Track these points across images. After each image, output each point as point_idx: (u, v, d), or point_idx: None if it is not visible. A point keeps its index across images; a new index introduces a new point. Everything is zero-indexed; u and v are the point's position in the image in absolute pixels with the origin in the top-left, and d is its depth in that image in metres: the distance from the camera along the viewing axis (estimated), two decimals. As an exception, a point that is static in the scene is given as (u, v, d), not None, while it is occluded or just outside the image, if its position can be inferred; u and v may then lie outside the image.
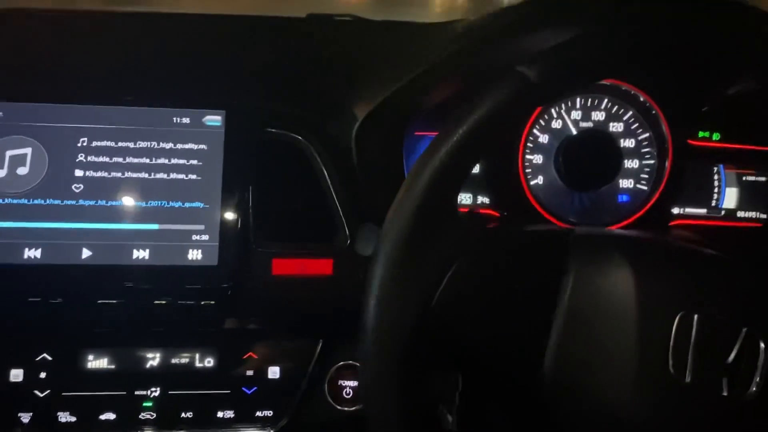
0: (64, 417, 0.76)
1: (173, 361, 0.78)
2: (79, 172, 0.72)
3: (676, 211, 0.92)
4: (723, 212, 0.92)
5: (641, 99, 0.88)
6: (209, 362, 0.78)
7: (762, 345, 0.51)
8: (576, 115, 0.90)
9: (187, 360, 0.78)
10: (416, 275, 0.52)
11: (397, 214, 0.53)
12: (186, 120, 0.75)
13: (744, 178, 0.92)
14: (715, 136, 0.90)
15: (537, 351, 0.55)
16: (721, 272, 0.56)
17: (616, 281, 0.54)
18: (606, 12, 0.59)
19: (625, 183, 0.91)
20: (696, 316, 0.51)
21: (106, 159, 0.73)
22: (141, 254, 0.72)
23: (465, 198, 0.91)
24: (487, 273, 0.56)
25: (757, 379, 0.50)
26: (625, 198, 0.91)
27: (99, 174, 0.73)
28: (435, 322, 0.53)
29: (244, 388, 0.79)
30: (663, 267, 0.55)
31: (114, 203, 0.72)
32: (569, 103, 0.90)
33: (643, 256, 0.56)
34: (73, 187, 0.72)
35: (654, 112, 0.88)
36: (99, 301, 0.72)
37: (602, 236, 0.60)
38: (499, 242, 0.58)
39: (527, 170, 0.90)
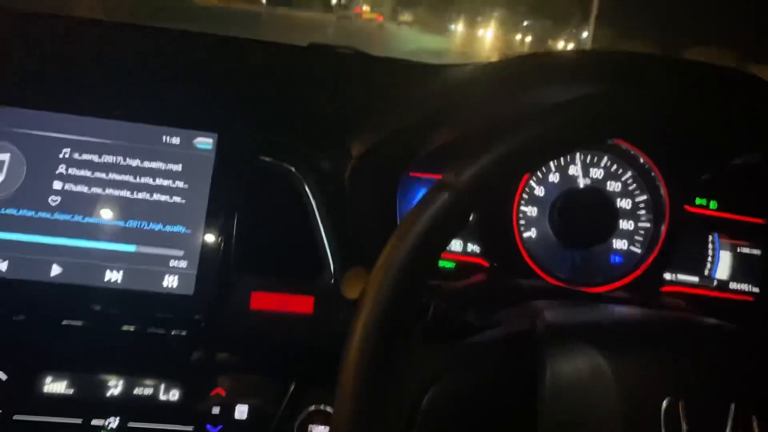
0: (13, 442, 0.71)
1: (136, 391, 0.74)
2: (57, 185, 0.69)
3: (668, 276, 0.90)
4: (715, 282, 0.91)
5: (641, 160, 0.87)
6: (174, 395, 0.74)
7: (754, 420, 0.48)
8: (574, 170, 0.89)
9: (150, 391, 0.74)
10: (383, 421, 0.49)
11: (351, 353, 0.49)
12: (176, 140, 0.72)
13: (738, 250, 0.91)
14: (713, 205, 0.89)
15: None
16: (701, 351, 0.54)
17: (592, 374, 0.51)
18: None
19: (619, 244, 0.89)
20: (681, 402, 0.49)
21: (88, 173, 0.70)
22: (114, 276, 0.68)
23: (455, 245, 0.89)
24: (460, 392, 0.52)
25: None
26: (618, 259, 0.89)
27: (78, 188, 0.69)
28: None
29: (208, 426, 0.74)
30: (640, 354, 0.52)
31: (91, 220, 0.69)
32: (568, 158, 0.88)
33: (618, 345, 0.53)
34: (49, 199, 0.68)
35: (653, 174, 0.87)
36: (63, 322, 0.68)
37: (573, 327, 0.56)
38: (463, 360, 0.54)
39: (521, 222, 0.88)
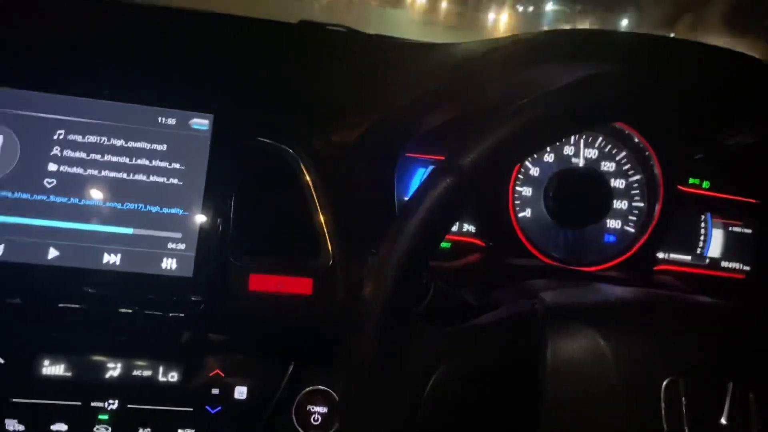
0: (12, 425, 0.71)
1: (135, 373, 0.73)
2: (52, 166, 0.68)
3: (661, 255, 0.91)
4: (707, 261, 0.92)
5: (635, 140, 0.88)
6: (173, 377, 0.74)
7: (752, 397, 0.49)
8: (569, 150, 0.89)
9: (149, 373, 0.74)
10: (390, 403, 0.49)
11: (359, 341, 0.49)
12: (172, 121, 0.71)
13: (730, 229, 0.92)
14: (705, 184, 0.90)
15: None
16: (699, 330, 0.55)
17: (593, 354, 0.51)
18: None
19: (613, 223, 0.90)
20: (682, 380, 0.49)
21: (83, 155, 0.69)
22: (112, 259, 0.67)
23: (450, 225, 0.89)
24: (464, 374, 0.53)
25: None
26: (611, 238, 0.90)
27: (74, 170, 0.68)
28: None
29: (207, 407, 0.74)
30: (640, 335, 0.53)
31: (87, 202, 0.68)
32: (563, 138, 0.89)
33: (616, 323, 0.54)
34: (44, 181, 0.68)
35: (647, 153, 0.88)
36: (60, 305, 0.68)
37: (573, 308, 0.57)
38: (465, 342, 0.55)
39: (516, 202, 0.88)
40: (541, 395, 0.51)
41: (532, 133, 0.50)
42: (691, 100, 0.52)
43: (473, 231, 0.89)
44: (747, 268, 0.92)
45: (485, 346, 0.54)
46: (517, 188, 0.88)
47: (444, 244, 0.89)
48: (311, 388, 0.77)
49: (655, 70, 0.50)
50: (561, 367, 0.52)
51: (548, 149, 0.88)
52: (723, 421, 0.49)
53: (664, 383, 0.49)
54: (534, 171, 0.89)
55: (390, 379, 0.49)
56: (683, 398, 0.49)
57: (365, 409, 0.49)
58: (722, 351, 0.53)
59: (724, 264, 0.92)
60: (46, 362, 0.72)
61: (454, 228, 0.89)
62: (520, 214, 0.88)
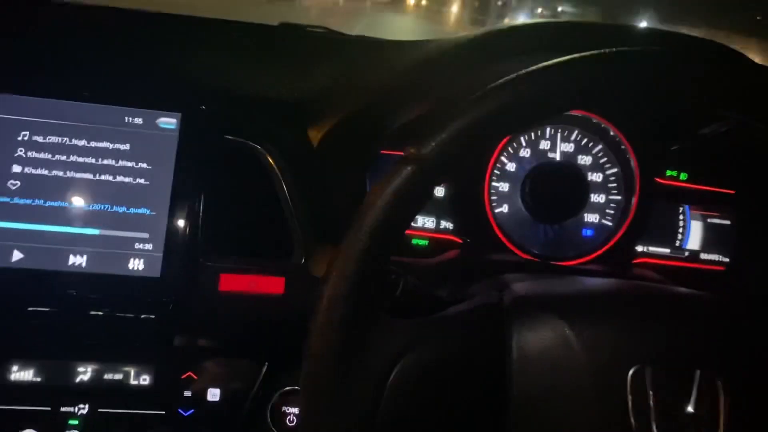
0: (-20, 431, 0.70)
1: (105, 376, 0.72)
2: (16, 168, 0.67)
3: (640, 248, 0.90)
4: (687, 253, 0.91)
5: (611, 133, 0.87)
6: (145, 380, 0.73)
7: (719, 384, 0.49)
8: (545, 144, 0.89)
9: (120, 376, 0.73)
10: (349, 400, 0.49)
11: (320, 328, 0.49)
12: (138, 120, 0.71)
13: (708, 220, 0.91)
14: (683, 176, 0.90)
15: None
16: (665, 318, 0.54)
17: (558, 345, 0.51)
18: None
19: (591, 217, 0.89)
20: (648, 369, 0.49)
21: (48, 156, 0.68)
22: (78, 260, 0.67)
23: (428, 222, 0.89)
24: (429, 366, 0.52)
25: (723, 420, 0.48)
26: (589, 232, 0.89)
27: (39, 171, 0.68)
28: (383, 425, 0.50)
29: (180, 410, 0.73)
30: (606, 324, 0.53)
31: (53, 204, 0.67)
32: (539, 133, 0.88)
33: (584, 316, 0.53)
34: (8, 183, 0.67)
35: (623, 147, 0.87)
36: (29, 309, 0.67)
37: (539, 298, 0.56)
38: (430, 334, 0.54)
39: (493, 198, 0.87)
40: (507, 387, 0.51)
41: (494, 121, 0.49)
42: (662, 89, 0.52)
43: (450, 228, 0.89)
44: (726, 259, 0.91)
45: (450, 337, 0.53)
46: (494, 184, 0.87)
47: (422, 241, 0.89)
48: (286, 388, 0.76)
49: (621, 59, 0.50)
50: (527, 358, 0.51)
51: (524, 144, 0.88)
52: (690, 409, 0.49)
53: (631, 371, 0.49)
54: (510, 166, 0.88)
55: (351, 370, 0.48)
56: (650, 386, 0.49)
57: (326, 402, 0.48)
58: (690, 339, 0.52)
59: (703, 256, 0.91)
60: (15, 367, 0.71)
61: (432, 225, 0.89)
62: (497, 210, 0.88)
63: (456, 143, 0.48)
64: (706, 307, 0.55)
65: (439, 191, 0.88)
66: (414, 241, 0.89)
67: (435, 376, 0.52)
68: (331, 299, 0.48)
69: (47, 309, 0.67)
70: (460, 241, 0.88)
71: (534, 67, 0.48)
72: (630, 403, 0.48)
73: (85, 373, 0.72)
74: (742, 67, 0.51)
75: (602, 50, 0.48)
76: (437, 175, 0.49)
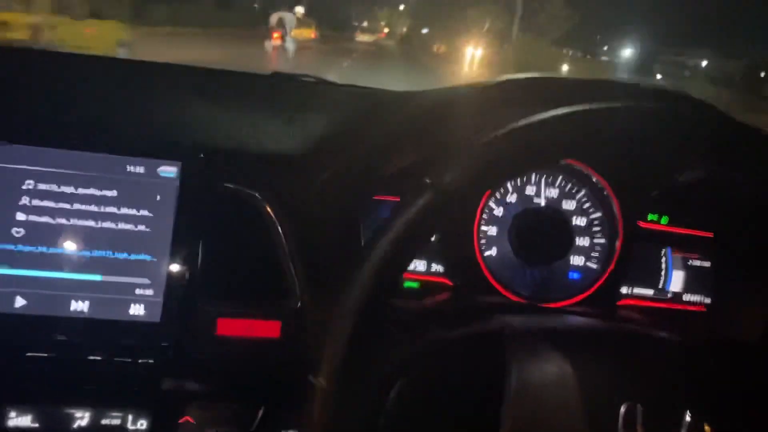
0: (-23, 479, 0.70)
1: (103, 422, 0.73)
2: (21, 216, 0.69)
3: (624, 290, 0.93)
4: (670, 294, 0.94)
5: (594, 179, 0.91)
6: (142, 425, 0.74)
7: (707, 429, 0.51)
8: (530, 190, 0.92)
9: (118, 422, 0.73)
10: (358, 399, 0.51)
11: (331, 345, 0.51)
12: (140, 169, 0.73)
13: (689, 262, 0.94)
14: (664, 220, 0.93)
15: None
16: (658, 359, 0.57)
17: (557, 377, 0.53)
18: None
19: (577, 260, 0.92)
20: (639, 407, 0.51)
21: (52, 204, 0.70)
22: (80, 306, 0.68)
23: (419, 265, 0.91)
24: (429, 387, 0.55)
25: None
26: (575, 275, 0.92)
27: (42, 219, 0.69)
28: None
29: None
30: (601, 359, 0.56)
31: (56, 250, 0.69)
32: (524, 179, 0.91)
33: (580, 349, 0.56)
34: (12, 230, 0.68)
35: (606, 192, 0.90)
36: (28, 354, 0.67)
37: (537, 331, 0.59)
38: (436, 352, 0.57)
39: (482, 241, 0.90)
40: (502, 413, 0.52)
41: (514, 158, 0.52)
42: (634, 141, 0.55)
43: (441, 271, 0.91)
44: (708, 300, 0.94)
45: (452, 358, 0.55)
46: (482, 228, 0.90)
47: (413, 284, 0.91)
48: (283, 432, 0.77)
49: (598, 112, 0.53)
50: (525, 387, 0.53)
51: (510, 190, 0.91)
52: None
53: (623, 408, 0.51)
54: (498, 211, 0.91)
55: (356, 383, 0.50)
56: (640, 424, 0.51)
57: (332, 411, 0.49)
58: (680, 382, 0.55)
59: (685, 297, 0.94)
60: (13, 413, 0.71)
61: (423, 268, 0.91)
62: (486, 253, 0.90)
63: (475, 176, 0.51)
64: (696, 353, 0.58)
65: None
66: (405, 284, 0.91)
67: (434, 392, 0.54)
68: (349, 312, 0.50)
69: (46, 354, 0.68)
70: (451, 283, 0.91)
71: (550, 113, 0.52)
72: None
73: (83, 418, 0.73)
74: (716, 121, 0.55)
75: (609, 104, 0.52)
76: (454, 207, 0.52)
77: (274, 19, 16.14)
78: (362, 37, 23.48)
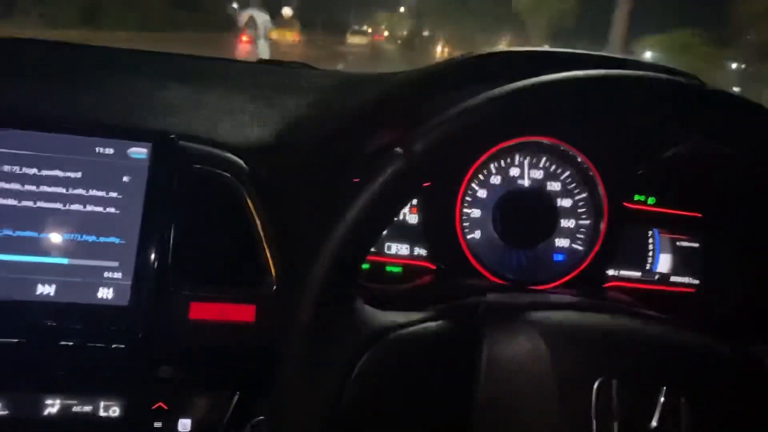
0: (-56, 467, 0.68)
1: (75, 409, 0.71)
2: (-15, 199, 0.67)
3: (611, 272, 0.91)
4: (657, 276, 0.92)
5: (579, 159, 0.89)
6: (114, 411, 0.72)
7: (683, 401, 0.50)
8: (514, 171, 0.90)
9: (90, 408, 0.72)
10: (320, 379, 0.50)
11: (297, 310, 0.50)
12: (109, 150, 0.71)
13: (678, 243, 0.92)
14: (651, 201, 0.91)
15: None
16: (633, 334, 0.55)
17: (529, 353, 0.52)
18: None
19: (562, 242, 0.90)
20: (614, 381, 0.50)
21: (18, 186, 0.68)
22: (46, 290, 0.66)
23: (402, 249, 0.89)
24: (397, 363, 0.53)
25: None
26: (560, 257, 0.90)
27: (8, 201, 0.68)
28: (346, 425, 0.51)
29: None
30: (575, 334, 0.54)
31: (21, 233, 0.67)
32: (508, 160, 0.90)
33: (554, 324, 0.55)
34: (-24, 214, 0.67)
35: (591, 173, 0.89)
36: None
37: (512, 305, 0.58)
38: (400, 328, 0.55)
39: (465, 224, 0.88)
40: (473, 391, 0.51)
41: (483, 128, 0.51)
42: (620, 116, 0.53)
43: (424, 254, 0.90)
44: (696, 281, 0.92)
45: (422, 333, 0.54)
46: (465, 210, 0.88)
47: (395, 268, 0.89)
48: (259, 418, 0.76)
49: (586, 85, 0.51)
50: (497, 362, 0.52)
51: (494, 171, 0.89)
52: (654, 423, 0.49)
53: (597, 383, 0.50)
54: (481, 193, 0.89)
55: (320, 355, 0.49)
56: (615, 399, 0.49)
57: (298, 389, 0.48)
58: (658, 357, 0.53)
59: (673, 278, 0.92)
60: None
61: (405, 252, 0.89)
62: (470, 236, 0.89)
63: (444, 144, 0.50)
64: (675, 329, 0.56)
65: (413, 218, 0.89)
66: (388, 268, 0.89)
67: (402, 370, 0.53)
68: (312, 283, 0.49)
69: (16, 340, 0.67)
70: (434, 267, 0.89)
71: (524, 82, 0.50)
72: (594, 414, 0.49)
73: (53, 405, 0.71)
74: (701, 90, 0.53)
75: (586, 72, 0.50)
76: (424, 174, 0.51)
77: (243, 18, 13.64)
78: (354, 40, 21.80)
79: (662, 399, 0.50)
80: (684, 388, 0.50)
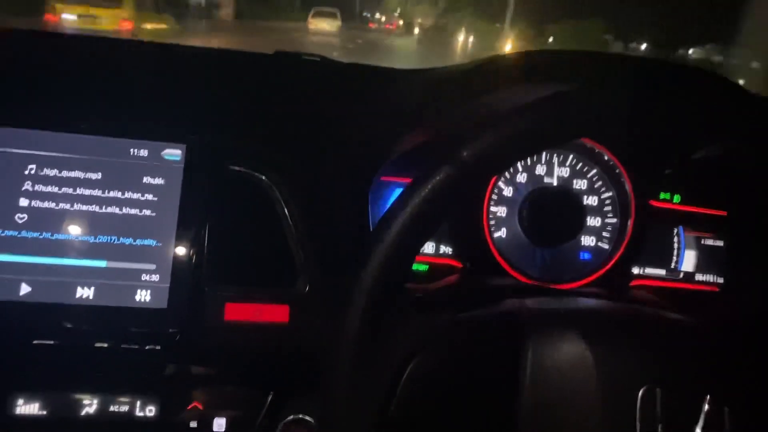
0: (-15, 466, 0.69)
1: (111, 408, 0.72)
2: (23, 202, 0.68)
3: (636, 271, 0.92)
4: (682, 274, 0.93)
5: (606, 158, 0.89)
6: (150, 411, 0.73)
7: (726, 411, 0.50)
8: (541, 170, 0.90)
9: (126, 408, 0.73)
10: (370, 381, 0.50)
11: (347, 316, 0.50)
12: (144, 152, 0.71)
13: (702, 242, 0.93)
14: (676, 199, 0.91)
15: None
16: (678, 341, 0.56)
17: (574, 360, 0.52)
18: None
19: (588, 240, 0.91)
20: (659, 389, 0.50)
21: (55, 189, 0.68)
22: (85, 293, 0.67)
23: (428, 247, 0.90)
24: (443, 368, 0.54)
25: None
26: (587, 256, 0.91)
27: (45, 204, 0.68)
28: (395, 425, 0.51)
29: None
30: (619, 341, 0.55)
31: (60, 236, 0.68)
32: (534, 158, 0.90)
33: (598, 331, 0.55)
34: (16, 216, 0.67)
35: (617, 171, 0.89)
36: (34, 342, 0.67)
37: (555, 312, 0.58)
38: (451, 332, 0.56)
39: (491, 222, 0.89)
40: (518, 394, 0.52)
41: (535, 135, 0.51)
42: (653, 116, 0.53)
43: (450, 252, 0.90)
44: (720, 280, 0.93)
45: (468, 339, 0.55)
46: (492, 208, 0.89)
47: (421, 267, 0.90)
48: (291, 417, 0.77)
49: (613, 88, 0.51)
50: (542, 369, 0.53)
51: (520, 169, 0.89)
52: (698, 431, 0.50)
53: (641, 391, 0.50)
54: (507, 191, 0.89)
55: (370, 360, 0.50)
56: (659, 407, 0.50)
57: (343, 393, 0.49)
58: (701, 365, 0.54)
59: (698, 277, 0.93)
60: (20, 401, 0.71)
61: (431, 250, 0.90)
62: (496, 234, 0.89)
63: (497, 152, 0.50)
64: (714, 336, 0.57)
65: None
66: (414, 267, 0.89)
67: (448, 375, 0.54)
68: (361, 289, 0.49)
69: (53, 342, 0.67)
70: (460, 265, 0.89)
71: (574, 90, 0.50)
72: (638, 422, 0.49)
73: (90, 405, 0.72)
74: (733, 94, 0.53)
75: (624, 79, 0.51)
76: (476, 180, 0.51)
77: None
78: (319, 25, 18.04)
79: (706, 407, 0.50)
80: (727, 397, 0.51)
